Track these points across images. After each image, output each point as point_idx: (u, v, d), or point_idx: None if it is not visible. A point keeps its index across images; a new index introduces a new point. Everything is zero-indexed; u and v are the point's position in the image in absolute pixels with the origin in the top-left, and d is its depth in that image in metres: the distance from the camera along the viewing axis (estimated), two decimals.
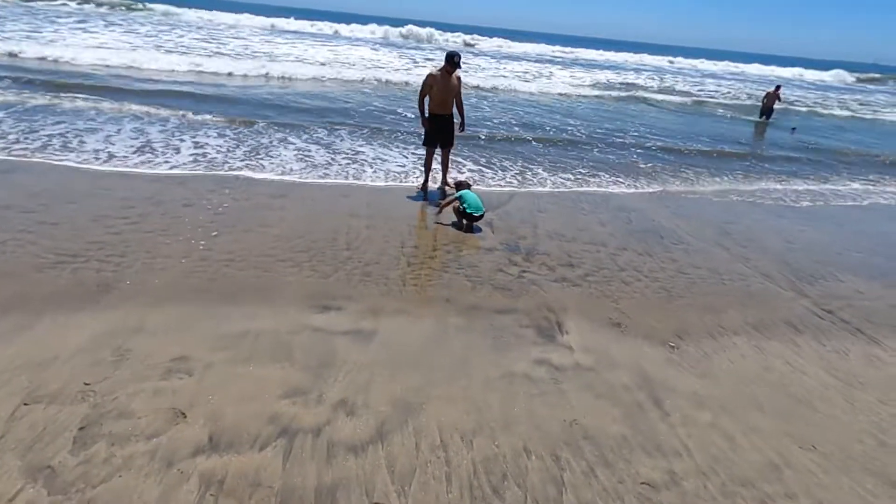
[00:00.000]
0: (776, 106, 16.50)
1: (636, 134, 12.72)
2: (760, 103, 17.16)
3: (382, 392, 2.97)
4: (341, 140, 9.14)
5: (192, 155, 7.43)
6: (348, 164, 7.86)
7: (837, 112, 22.52)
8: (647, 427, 2.95)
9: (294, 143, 8.59)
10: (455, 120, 6.82)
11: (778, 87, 16.77)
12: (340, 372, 3.12)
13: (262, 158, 7.61)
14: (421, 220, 6.00)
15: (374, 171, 7.62)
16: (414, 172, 7.63)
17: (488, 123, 12.09)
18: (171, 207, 5.54)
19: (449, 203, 5.86)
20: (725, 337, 4.00)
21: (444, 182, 7.07)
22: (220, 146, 7.96)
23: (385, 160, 8.22)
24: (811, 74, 42.87)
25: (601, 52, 44.33)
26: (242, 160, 7.44)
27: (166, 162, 7.04)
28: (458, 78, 6.61)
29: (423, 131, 6.81)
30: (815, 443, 2.98)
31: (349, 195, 6.57)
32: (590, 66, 32.11)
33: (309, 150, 8.30)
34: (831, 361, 3.82)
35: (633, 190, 8.09)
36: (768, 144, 13.66)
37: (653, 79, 27.82)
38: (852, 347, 4.05)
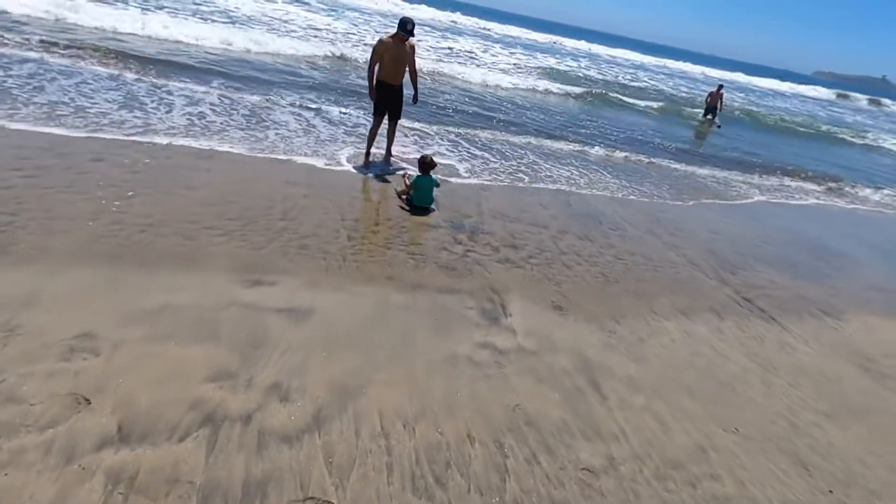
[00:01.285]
0: (718, 105, 17.17)
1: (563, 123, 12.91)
2: (704, 103, 17.85)
3: (319, 375, 2.77)
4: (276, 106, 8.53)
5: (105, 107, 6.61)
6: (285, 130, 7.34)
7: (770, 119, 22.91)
8: (587, 411, 2.96)
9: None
10: (408, 91, 6.51)
11: (720, 87, 17.52)
12: (273, 353, 2.87)
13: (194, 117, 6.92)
14: (363, 192, 5.72)
15: (313, 140, 7.17)
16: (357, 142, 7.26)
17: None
18: (77, 161, 4.89)
19: (408, 187, 5.53)
20: (658, 322, 4.13)
21: (389, 153, 6.78)
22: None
23: (329, 128, 7.76)
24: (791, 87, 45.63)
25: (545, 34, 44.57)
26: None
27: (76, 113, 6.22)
28: (412, 47, 6.28)
29: (371, 101, 6.45)
30: (737, 425, 3.13)
31: (287, 162, 6.13)
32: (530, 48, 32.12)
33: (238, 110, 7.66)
34: (750, 347, 4.05)
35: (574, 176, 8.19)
36: (701, 142, 14.38)
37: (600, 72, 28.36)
38: (767, 334, 4.32)
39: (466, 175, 6.95)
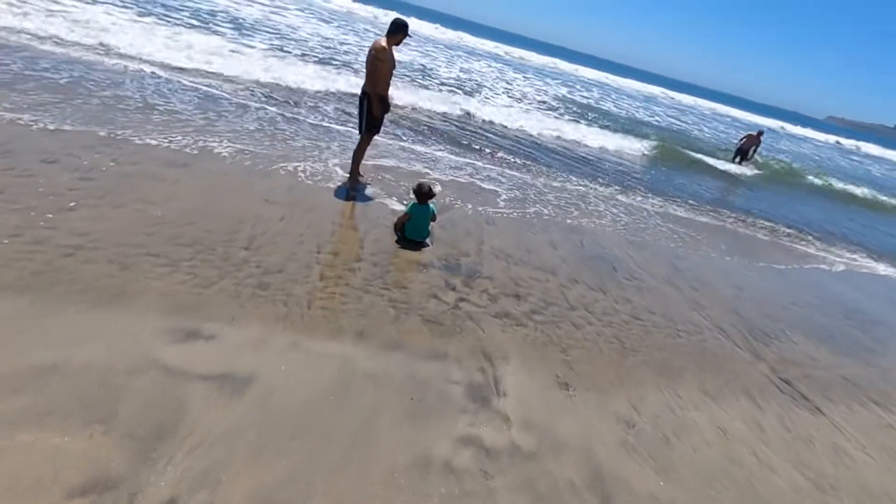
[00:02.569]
0: (752, 150, 16.20)
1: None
2: (739, 144, 16.54)
3: (237, 489, 2.01)
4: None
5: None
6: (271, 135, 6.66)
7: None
8: None
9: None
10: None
11: (760, 133, 16.49)
12: (182, 446, 2.12)
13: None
14: (349, 218, 4.99)
15: (303, 152, 6.48)
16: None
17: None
18: (22, 161, 4.21)
19: (400, 222, 4.77)
20: (685, 411, 3.34)
21: (358, 172, 5.92)
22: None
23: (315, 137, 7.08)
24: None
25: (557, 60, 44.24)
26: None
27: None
28: None
29: (354, 116, 5.75)
30: None
31: (269, 176, 5.43)
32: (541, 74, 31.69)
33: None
34: (799, 452, 3.26)
35: (586, 213, 7.45)
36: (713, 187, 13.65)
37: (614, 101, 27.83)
38: (816, 434, 3.53)
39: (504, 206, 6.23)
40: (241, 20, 15.90)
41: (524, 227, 6.02)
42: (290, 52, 13.04)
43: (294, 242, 4.15)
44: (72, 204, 3.81)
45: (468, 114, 11.59)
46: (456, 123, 10.73)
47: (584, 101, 22.61)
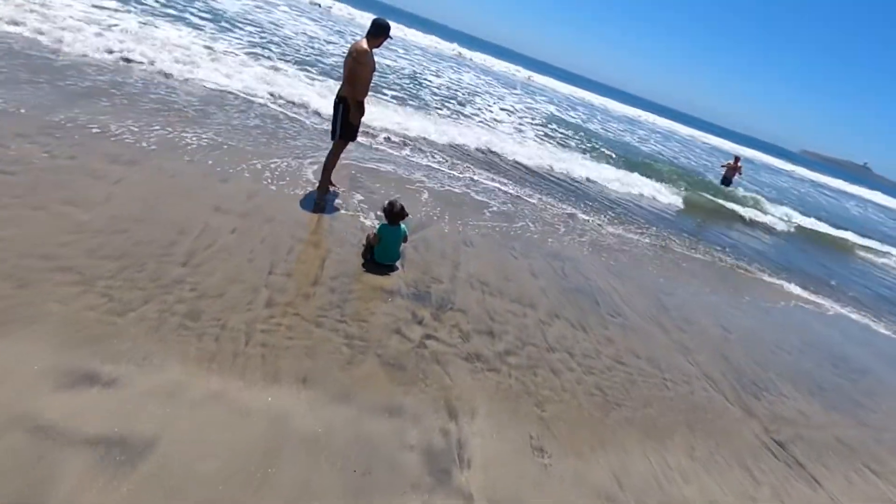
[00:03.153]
0: (736, 177, 16.37)
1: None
2: (721, 173, 16.96)
3: None
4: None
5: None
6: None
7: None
8: None
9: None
10: None
11: (737, 160, 16.69)
12: None
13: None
14: (312, 233, 4.47)
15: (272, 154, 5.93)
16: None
17: None
18: None
19: (371, 237, 4.25)
20: (676, 487, 2.89)
21: (330, 181, 5.42)
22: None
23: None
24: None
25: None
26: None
27: None
28: None
29: (328, 122, 5.22)
30: None
31: (228, 179, 4.88)
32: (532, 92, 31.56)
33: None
34: None
35: (566, 235, 7.03)
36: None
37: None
38: None
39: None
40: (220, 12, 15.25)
41: (504, 250, 5.57)
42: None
43: (243, 260, 3.61)
44: None
45: (490, 151, 10.35)
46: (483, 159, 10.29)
47: (573, 120, 22.43)
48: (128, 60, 7.48)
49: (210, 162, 5.11)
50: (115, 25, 8.81)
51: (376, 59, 5.12)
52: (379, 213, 4.86)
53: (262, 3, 19.50)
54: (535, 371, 3.51)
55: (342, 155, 5.41)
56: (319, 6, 29.01)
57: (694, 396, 3.97)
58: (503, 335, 3.84)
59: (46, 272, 2.80)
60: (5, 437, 1.88)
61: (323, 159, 5.30)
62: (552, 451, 2.79)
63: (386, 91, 12.15)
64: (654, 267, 6.93)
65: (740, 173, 16.58)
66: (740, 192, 15.94)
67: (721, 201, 13.83)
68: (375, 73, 5.24)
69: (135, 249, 3.28)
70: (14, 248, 2.89)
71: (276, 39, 13.62)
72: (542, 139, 14.07)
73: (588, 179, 10.95)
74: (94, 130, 4.90)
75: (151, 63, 7.63)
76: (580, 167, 11.42)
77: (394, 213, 4.17)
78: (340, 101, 5.04)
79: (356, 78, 4.83)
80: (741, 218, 13.16)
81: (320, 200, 5.13)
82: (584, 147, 15.29)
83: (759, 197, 16.11)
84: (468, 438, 2.66)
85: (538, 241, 6.25)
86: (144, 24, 9.71)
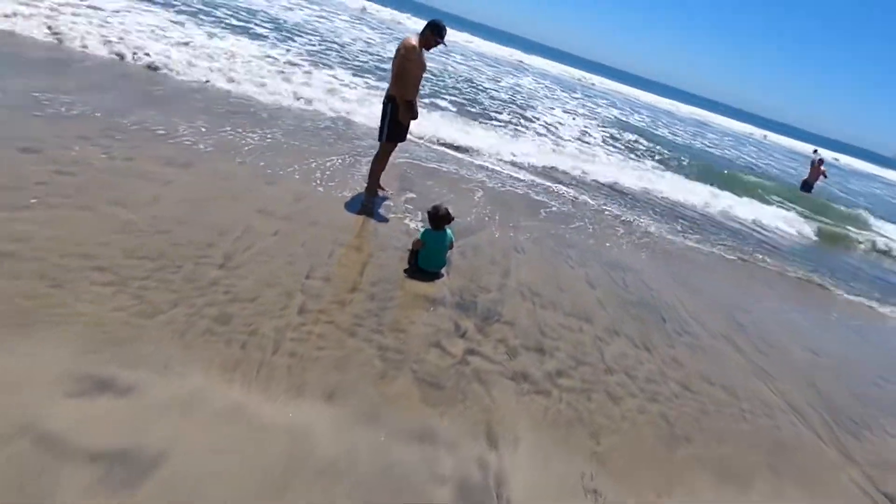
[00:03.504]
0: (819, 182, 14.91)
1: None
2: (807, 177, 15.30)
3: None
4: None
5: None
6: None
7: None
8: None
9: None
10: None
11: (820, 162, 15.16)
12: None
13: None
14: (356, 236, 4.28)
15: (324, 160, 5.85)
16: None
17: None
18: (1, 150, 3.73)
19: (413, 249, 3.99)
20: None
21: (379, 184, 5.25)
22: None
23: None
24: None
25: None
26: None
27: None
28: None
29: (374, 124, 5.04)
30: None
31: (276, 182, 4.82)
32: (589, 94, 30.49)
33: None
34: None
35: (626, 242, 6.49)
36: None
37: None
38: None
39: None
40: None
41: (559, 258, 5.16)
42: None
43: (281, 263, 3.47)
44: (32, 201, 3.26)
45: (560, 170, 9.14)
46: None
47: (640, 124, 21.40)
48: (190, 64, 7.71)
49: (262, 164, 5.08)
50: (184, 40, 9.18)
51: (430, 63, 4.89)
52: (423, 216, 4.61)
53: (323, 15, 20.04)
54: (589, 395, 3.11)
55: (391, 157, 5.23)
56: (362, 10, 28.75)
57: (778, 432, 3.40)
58: (554, 352, 3.46)
59: (83, 271, 2.75)
60: (9, 446, 1.76)
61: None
62: (607, 494, 2.39)
63: (444, 96, 11.98)
64: (726, 279, 6.25)
65: (824, 177, 15.04)
66: (842, 209, 13.99)
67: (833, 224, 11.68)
68: (427, 75, 5.03)
69: (173, 250, 3.20)
70: (54, 248, 2.87)
71: (337, 48, 13.84)
72: (607, 146, 13.33)
73: (646, 191, 10.15)
74: (159, 132, 4.99)
75: (211, 71, 7.83)
76: (647, 178, 10.44)
77: (438, 217, 3.90)
78: (389, 101, 4.85)
79: (404, 76, 4.63)
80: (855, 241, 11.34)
81: (367, 203, 4.96)
82: (652, 154, 14.37)
83: (860, 211, 14.06)
84: (509, 473, 2.32)
85: (596, 248, 5.78)
86: (213, 35, 10.09)
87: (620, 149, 13.56)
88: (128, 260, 2.97)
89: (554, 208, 6.82)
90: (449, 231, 4.01)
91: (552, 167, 9.04)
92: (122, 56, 7.30)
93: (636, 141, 15.75)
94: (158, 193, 3.87)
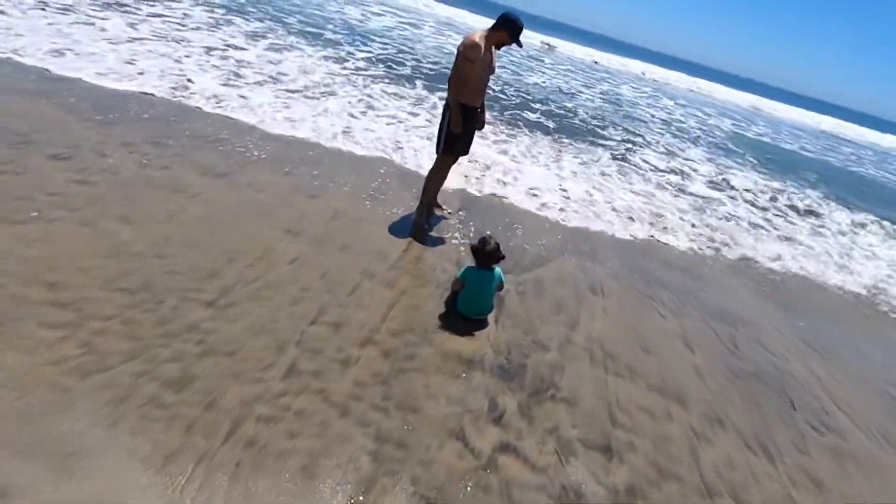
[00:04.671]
0: None
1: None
2: None
3: None
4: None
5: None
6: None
7: None
8: None
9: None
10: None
11: None
12: None
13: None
14: (390, 267, 3.54)
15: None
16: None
17: None
18: (29, 155, 3.50)
19: (452, 291, 3.20)
20: None
21: (436, 202, 4.54)
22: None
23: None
24: None
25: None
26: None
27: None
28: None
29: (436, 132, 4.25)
30: None
31: (319, 195, 4.24)
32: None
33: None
34: None
35: (739, 284, 5.11)
36: None
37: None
38: None
39: None
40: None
41: (647, 303, 4.04)
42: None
43: (286, 301, 2.81)
44: (33, 214, 2.91)
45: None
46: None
47: (757, 138, 18.67)
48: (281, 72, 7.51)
49: (315, 172, 4.56)
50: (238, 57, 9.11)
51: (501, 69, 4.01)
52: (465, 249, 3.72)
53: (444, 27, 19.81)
54: None
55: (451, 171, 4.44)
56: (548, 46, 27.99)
57: None
58: (627, 454, 2.44)
59: (38, 306, 2.27)
60: None
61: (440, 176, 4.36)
62: None
63: (534, 107, 10.98)
64: (886, 343, 4.67)
65: None
66: None
67: None
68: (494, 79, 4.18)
69: (162, 281, 2.67)
70: (24, 273, 2.44)
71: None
72: (756, 195, 8.53)
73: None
74: (208, 140, 4.65)
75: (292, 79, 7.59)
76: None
77: (485, 253, 3.03)
78: (447, 107, 4.07)
79: (459, 76, 3.82)
80: None
81: (418, 224, 4.22)
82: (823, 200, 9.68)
83: None
84: None
85: (698, 290, 4.54)
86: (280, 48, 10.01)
87: (783, 209, 8.49)
88: (101, 292, 2.47)
89: (639, 239, 5.61)
90: (498, 269, 3.12)
91: (693, 252, 5.57)
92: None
93: (786, 174, 11.35)
94: (179, 208, 3.42)
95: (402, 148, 5.84)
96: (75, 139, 3.98)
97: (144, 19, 8.06)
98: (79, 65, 5.54)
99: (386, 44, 12.77)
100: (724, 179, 9.14)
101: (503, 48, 4.04)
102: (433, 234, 4.15)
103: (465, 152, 4.37)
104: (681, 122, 15.70)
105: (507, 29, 3.86)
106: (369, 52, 11.09)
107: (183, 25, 8.41)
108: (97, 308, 2.36)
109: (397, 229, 4.05)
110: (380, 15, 18.25)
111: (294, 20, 12.00)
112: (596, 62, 28.55)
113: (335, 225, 3.83)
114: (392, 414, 2.27)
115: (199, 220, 3.34)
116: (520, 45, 3.92)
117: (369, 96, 7.57)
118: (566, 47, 30.79)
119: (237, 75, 6.74)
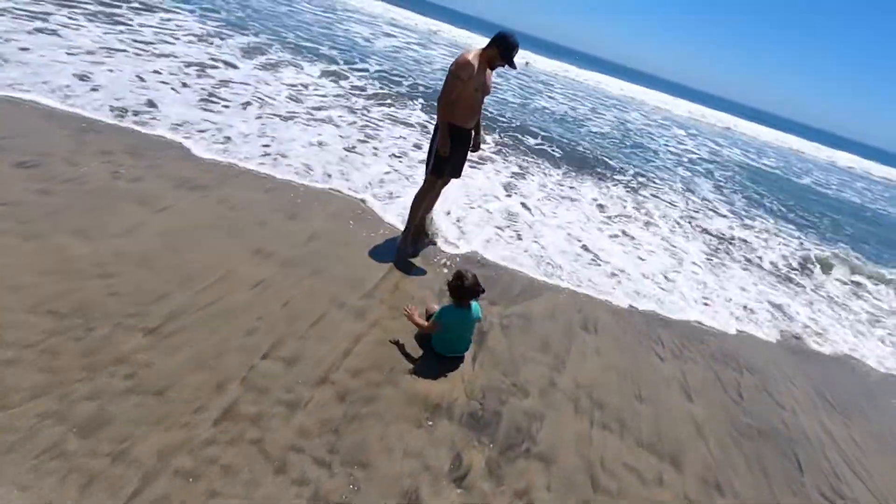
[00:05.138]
0: None
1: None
2: None
3: None
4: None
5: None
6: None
7: None
8: None
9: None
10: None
11: None
12: None
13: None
14: (364, 296, 3.26)
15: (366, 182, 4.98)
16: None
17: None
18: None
19: (425, 326, 2.86)
20: None
21: (423, 228, 4.31)
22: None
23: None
24: None
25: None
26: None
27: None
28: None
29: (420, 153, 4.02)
30: None
31: (298, 215, 4.01)
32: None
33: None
34: None
35: (747, 321, 4.76)
36: None
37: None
38: None
39: None
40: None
41: (644, 342, 3.72)
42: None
43: (238, 331, 2.54)
44: None
45: None
46: None
47: (772, 170, 18.34)
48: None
49: (294, 192, 4.32)
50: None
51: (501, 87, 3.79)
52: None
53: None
54: None
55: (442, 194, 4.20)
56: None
57: None
58: None
59: None
60: None
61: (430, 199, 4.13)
62: None
63: (534, 131, 10.79)
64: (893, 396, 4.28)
65: None
66: None
67: None
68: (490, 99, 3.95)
69: (101, 303, 2.42)
70: None
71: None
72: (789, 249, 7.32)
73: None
74: (192, 152, 4.46)
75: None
76: None
77: (463, 290, 2.75)
78: (437, 128, 3.84)
79: (449, 96, 3.59)
80: None
81: (401, 250, 3.96)
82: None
83: None
84: None
85: (700, 333, 4.20)
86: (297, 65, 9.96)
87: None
88: (26, 315, 2.22)
89: (645, 272, 5.29)
90: (475, 305, 2.84)
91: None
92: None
93: (818, 226, 10.04)
94: (140, 222, 3.20)
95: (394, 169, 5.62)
96: (50, 146, 3.79)
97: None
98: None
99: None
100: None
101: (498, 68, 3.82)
102: (417, 260, 3.89)
103: (457, 175, 4.13)
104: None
105: (499, 48, 3.64)
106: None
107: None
108: (16, 334, 2.10)
109: (379, 254, 3.79)
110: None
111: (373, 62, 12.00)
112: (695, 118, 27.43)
113: (311, 247, 3.58)
114: (336, 470, 1.97)
115: (159, 236, 3.11)
116: (513, 66, 3.69)
117: (369, 122, 7.41)
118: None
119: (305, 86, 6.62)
